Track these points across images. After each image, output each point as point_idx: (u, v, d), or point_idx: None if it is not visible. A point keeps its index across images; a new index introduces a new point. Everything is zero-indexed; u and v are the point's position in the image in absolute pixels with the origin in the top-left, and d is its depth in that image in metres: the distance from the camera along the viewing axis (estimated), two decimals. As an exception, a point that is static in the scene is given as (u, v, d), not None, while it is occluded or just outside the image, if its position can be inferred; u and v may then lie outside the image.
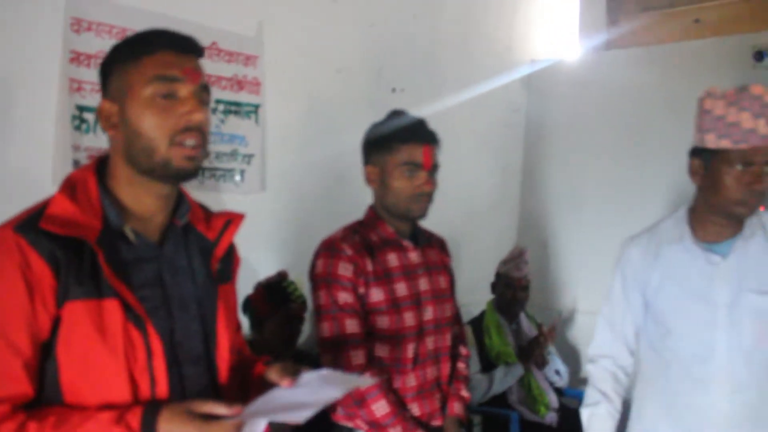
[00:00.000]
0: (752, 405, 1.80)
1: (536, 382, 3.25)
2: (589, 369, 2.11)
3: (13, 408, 1.14)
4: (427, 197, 1.99)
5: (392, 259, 2.00)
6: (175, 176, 1.28)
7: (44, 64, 2.24)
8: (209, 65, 2.62)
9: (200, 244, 1.39)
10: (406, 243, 2.04)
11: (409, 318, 1.97)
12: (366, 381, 1.60)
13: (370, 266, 1.95)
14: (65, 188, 1.25)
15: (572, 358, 3.86)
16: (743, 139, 1.71)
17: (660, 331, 1.94)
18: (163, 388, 1.23)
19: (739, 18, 3.71)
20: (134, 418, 1.14)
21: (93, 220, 1.23)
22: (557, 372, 3.44)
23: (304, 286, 2.79)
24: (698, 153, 1.85)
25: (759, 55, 3.29)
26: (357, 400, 1.89)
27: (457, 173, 3.66)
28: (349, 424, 1.96)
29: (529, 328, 3.48)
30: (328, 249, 1.97)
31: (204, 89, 1.28)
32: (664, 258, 1.92)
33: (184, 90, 1.24)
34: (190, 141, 1.25)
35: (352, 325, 1.90)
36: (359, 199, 3.20)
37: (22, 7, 2.17)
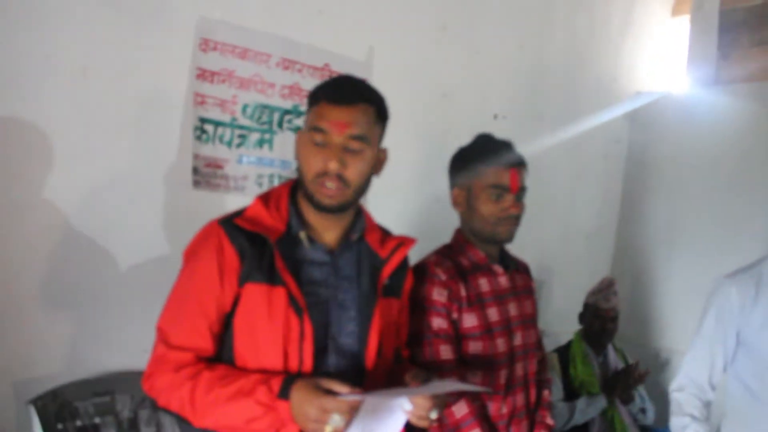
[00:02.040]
0: None
1: (619, 417, 3.22)
2: (675, 397, 2.11)
3: (196, 357, 1.47)
4: (515, 220, 1.99)
5: (483, 283, 2.00)
6: (319, 208, 1.53)
7: (175, 79, 2.45)
8: (321, 85, 2.79)
9: (372, 260, 1.63)
10: (496, 267, 2.04)
11: (501, 344, 1.96)
12: (482, 388, 1.74)
13: (463, 291, 1.94)
14: (262, 196, 1.59)
15: (660, 397, 3.79)
16: None
17: (759, 371, 1.93)
18: (308, 367, 1.48)
19: None
20: (276, 382, 1.39)
21: (278, 224, 1.53)
22: (643, 410, 3.40)
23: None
24: None
25: None
26: (452, 428, 1.88)
27: (555, 201, 3.71)
28: None
29: (615, 361, 3.45)
30: (422, 274, 1.95)
31: (354, 138, 1.49)
32: (766, 296, 1.91)
33: (334, 139, 1.49)
34: (330, 184, 1.49)
35: (446, 351, 1.88)
36: (454, 221, 3.31)
37: (160, 27, 2.39)
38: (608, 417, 3.21)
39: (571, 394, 3.24)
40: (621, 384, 3.23)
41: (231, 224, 1.50)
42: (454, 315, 1.94)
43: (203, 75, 2.50)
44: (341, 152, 1.48)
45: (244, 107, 2.61)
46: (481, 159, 2.00)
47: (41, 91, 2.16)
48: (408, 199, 3.18)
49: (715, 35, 4.00)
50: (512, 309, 2.04)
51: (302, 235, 1.54)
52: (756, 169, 3.62)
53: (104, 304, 2.33)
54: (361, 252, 1.62)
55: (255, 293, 1.47)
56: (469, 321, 1.94)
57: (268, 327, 1.46)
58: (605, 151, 4.13)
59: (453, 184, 2.09)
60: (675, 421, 2.07)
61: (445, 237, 3.21)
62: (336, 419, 1.32)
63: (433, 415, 1.45)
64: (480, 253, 2.04)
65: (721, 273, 3.60)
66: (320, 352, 1.50)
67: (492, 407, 1.96)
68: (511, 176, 1.97)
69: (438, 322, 1.91)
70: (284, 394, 1.37)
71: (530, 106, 3.63)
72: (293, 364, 1.47)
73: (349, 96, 1.51)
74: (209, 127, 2.53)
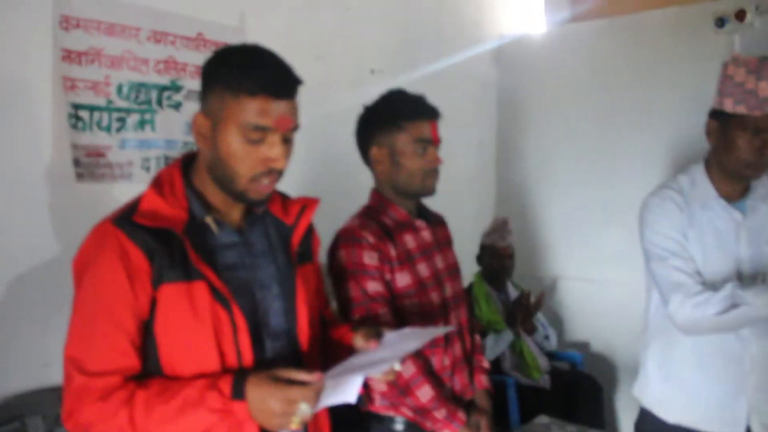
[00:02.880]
0: None
1: (528, 348, 3.36)
2: (674, 304, 1.92)
3: (124, 378, 1.31)
4: (437, 173, 2.01)
5: (409, 240, 2.00)
6: (247, 202, 1.43)
7: (37, 63, 2.23)
8: (195, 56, 2.63)
9: (279, 228, 1.54)
10: (419, 223, 2.05)
11: (435, 297, 1.97)
12: (445, 329, 1.65)
13: (392, 251, 1.93)
14: (154, 185, 1.42)
15: (558, 322, 4.00)
16: (758, 106, 1.81)
17: None
18: (248, 360, 1.38)
19: (698, -15, 3.83)
20: (225, 384, 1.28)
21: (179, 212, 1.39)
22: (546, 337, 3.57)
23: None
24: (716, 115, 1.94)
25: (720, 22, 3.40)
26: (401, 388, 1.88)
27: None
28: (390, 413, 1.94)
29: (515, 296, 3.59)
30: (349, 239, 1.92)
31: (293, 129, 1.40)
32: (696, 214, 1.99)
33: (274, 137, 1.37)
34: (266, 180, 1.39)
35: (385, 314, 1.86)
36: (345, 182, 3.27)
37: (9, 7, 2.15)
38: (517, 349, 3.35)
39: (480, 334, 3.34)
40: (521, 313, 3.37)
41: (128, 223, 1.34)
42: (387, 276, 1.92)
43: (69, 56, 2.29)
44: (283, 146, 1.38)
45: (119, 88, 2.42)
46: (402, 114, 1.97)
47: None
48: (294, 164, 3.08)
49: (566, -27, 4.15)
50: (439, 261, 2.06)
51: (209, 220, 1.43)
52: (618, 101, 3.82)
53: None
54: (267, 224, 1.53)
55: (173, 294, 1.34)
56: (403, 280, 1.94)
57: (195, 327, 1.34)
58: (477, 95, 4.22)
59: (370, 143, 2.04)
60: (725, 303, 1.82)
61: (342, 196, 3.18)
62: (304, 408, 1.25)
63: (397, 367, 1.43)
64: (401, 210, 2.03)
65: (596, 200, 3.85)
66: (255, 340, 1.41)
67: (435, 361, 1.97)
68: (432, 128, 1.99)
69: (373, 286, 1.89)
70: (239, 394, 1.27)
71: (403, 58, 3.62)
72: (231, 360, 1.37)
73: (291, 87, 1.39)
74: (84, 114, 2.33)
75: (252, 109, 1.33)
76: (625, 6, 4.02)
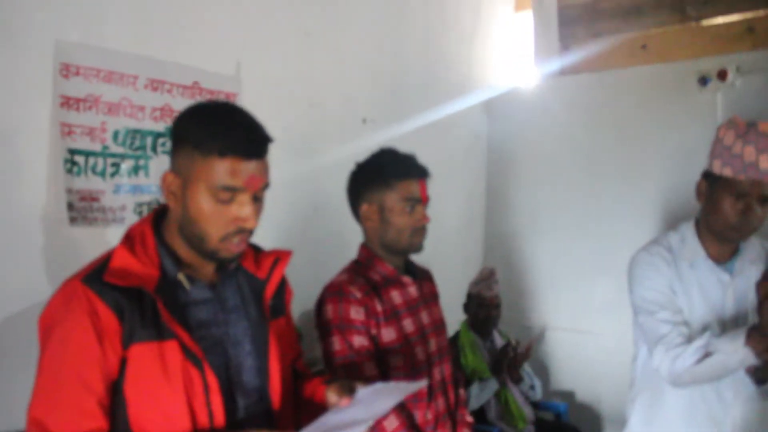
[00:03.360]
0: (762, 413, 1.95)
1: (512, 397, 3.37)
2: (658, 356, 1.95)
3: None
4: (425, 231, 2.06)
5: (396, 296, 2.03)
6: (218, 261, 1.43)
7: (36, 108, 2.27)
8: (191, 104, 2.68)
9: (251, 283, 1.52)
10: (406, 279, 2.09)
11: (419, 352, 2.00)
12: (419, 385, 1.56)
13: (379, 306, 1.96)
14: (125, 242, 1.40)
15: (543, 372, 4.01)
16: (743, 170, 1.84)
17: None
18: (219, 420, 1.35)
19: (682, 44, 3.95)
20: None
21: (151, 269, 1.37)
22: (532, 387, 3.58)
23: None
24: (706, 176, 1.98)
25: (703, 80, 3.51)
26: None
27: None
28: None
29: (501, 345, 3.60)
30: (336, 293, 1.96)
31: (264, 188, 1.40)
32: (684, 272, 2.01)
33: (244, 196, 1.36)
34: (238, 239, 1.39)
35: (369, 368, 1.89)
36: (335, 230, 3.32)
37: (12, 53, 2.21)
38: (502, 398, 3.35)
39: (465, 382, 3.35)
40: (506, 362, 3.38)
41: (98, 281, 1.31)
42: (373, 331, 1.95)
43: (67, 103, 2.34)
44: (253, 205, 1.38)
45: (115, 134, 2.47)
46: (392, 173, 2.02)
47: None
48: (285, 212, 3.14)
49: (555, 29, 4.27)
50: (424, 317, 2.09)
51: (181, 277, 1.41)
52: (603, 154, 3.90)
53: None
54: (240, 278, 1.52)
55: (144, 354, 1.31)
56: (388, 335, 1.96)
57: (166, 387, 1.31)
58: (467, 146, 4.29)
59: (361, 200, 2.08)
60: (689, 355, 1.87)
61: (328, 245, 3.24)
62: None
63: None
64: (389, 266, 2.07)
65: (584, 251, 3.89)
66: (227, 398, 1.39)
67: (418, 415, 1.99)
68: (420, 188, 2.03)
69: (359, 341, 1.91)
70: None
71: (395, 108, 3.69)
72: (203, 421, 1.34)
73: (261, 147, 1.39)
74: (80, 158, 2.37)
75: (222, 170, 1.33)
76: (612, 61, 4.13)
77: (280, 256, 1.59)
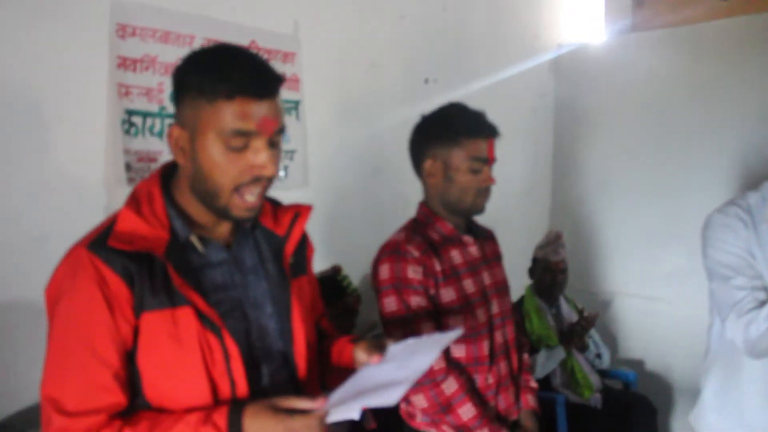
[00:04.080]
0: None
1: (579, 365, 3.27)
2: (730, 323, 1.85)
3: (109, 417, 1.19)
4: (489, 192, 1.97)
5: (456, 255, 1.96)
6: (231, 220, 1.32)
7: (93, 70, 2.28)
8: (249, 64, 2.65)
9: (270, 240, 1.41)
10: (466, 238, 2.01)
11: (480, 314, 1.93)
12: (454, 334, 1.41)
13: (437, 266, 1.90)
14: (131, 202, 1.28)
15: (611, 340, 3.89)
16: None
17: None
18: (242, 389, 1.27)
19: (767, -6, 3.69)
20: (220, 417, 1.18)
21: (160, 231, 1.26)
22: (598, 355, 3.47)
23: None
24: None
25: (789, 32, 3.28)
26: (443, 406, 1.84)
27: (490, 161, 3.69)
28: (432, 430, 1.91)
29: (568, 312, 3.50)
30: (393, 252, 1.89)
31: (279, 132, 1.27)
32: (765, 236, 1.85)
33: (258, 141, 1.23)
34: (254, 191, 1.26)
35: (427, 329, 1.82)
36: (396, 191, 3.26)
37: (69, 16, 2.21)
38: (568, 367, 3.26)
39: (530, 349, 3.27)
40: (577, 334, 3.28)
41: (105, 248, 1.20)
42: (431, 291, 1.88)
43: (124, 63, 2.33)
44: (269, 151, 1.24)
45: (172, 94, 2.45)
46: (461, 130, 1.93)
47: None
48: (346, 173, 3.10)
49: (628, -17, 4.05)
50: (486, 278, 2.02)
51: (194, 239, 1.29)
52: (675, 112, 3.72)
53: (41, 322, 2.15)
54: (257, 236, 1.40)
55: (156, 323, 1.21)
56: (447, 295, 1.90)
57: (182, 357, 1.22)
58: (533, 105, 4.15)
59: (425, 155, 1.99)
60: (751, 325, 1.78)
61: (389, 207, 3.19)
62: None
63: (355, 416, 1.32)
64: (448, 225, 2.00)
65: (655, 215, 3.73)
66: (250, 366, 1.29)
67: (479, 379, 1.93)
68: (489, 147, 1.94)
69: (416, 301, 1.85)
70: (235, 428, 1.17)
71: (457, 68, 3.59)
72: (224, 391, 1.25)
73: (272, 85, 1.25)
74: (137, 119, 2.37)
75: (231, 114, 1.20)
76: (688, 16, 3.91)
77: (300, 211, 1.45)
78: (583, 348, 3.37)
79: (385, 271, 1.89)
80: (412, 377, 1.27)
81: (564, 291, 3.54)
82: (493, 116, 3.81)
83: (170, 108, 2.44)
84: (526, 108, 4.11)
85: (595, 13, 4.32)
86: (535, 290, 3.46)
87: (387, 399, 1.24)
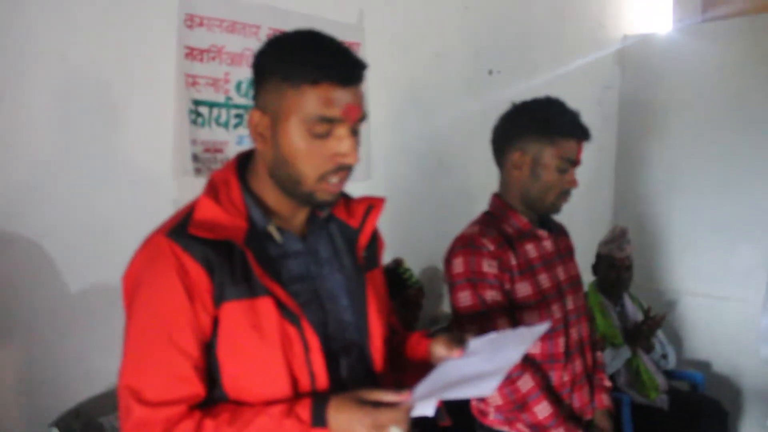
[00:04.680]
0: None
1: (644, 366, 3.18)
2: None
3: (189, 407, 1.18)
4: (569, 194, 1.95)
5: (531, 249, 1.92)
6: (315, 205, 1.30)
7: (161, 60, 2.28)
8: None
9: (344, 232, 1.39)
10: (541, 232, 1.97)
11: (556, 310, 1.88)
12: (542, 328, 1.36)
13: (513, 260, 1.86)
14: (209, 191, 1.26)
15: (677, 340, 3.78)
16: None
17: None
18: (323, 382, 1.24)
19: None
20: (304, 410, 1.15)
21: (238, 220, 1.24)
22: (664, 356, 3.37)
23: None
24: None
25: None
26: (518, 404, 1.80)
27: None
28: (505, 429, 1.87)
29: (633, 310, 3.40)
30: (468, 246, 1.86)
31: (362, 120, 1.25)
32: None
33: (342, 129, 1.21)
34: (336, 179, 1.24)
35: (503, 324, 1.78)
36: (459, 183, 3.21)
37: (139, 7, 2.21)
38: (633, 367, 3.17)
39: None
40: (643, 333, 3.19)
41: (185, 235, 1.18)
42: (507, 285, 1.84)
43: (192, 54, 2.33)
44: (352, 139, 1.22)
45: (238, 84, 2.45)
46: (558, 128, 1.89)
47: (19, 81, 1.95)
48: (410, 165, 3.07)
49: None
50: (561, 273, 1.98)
51: (272, 228, 1.27)
52: (749, 104, 3.58)
53: (112, 311, 2.16)
54: (331, 228, 1.38)
55: (236, 313, 1.19)
56: (523, 290, 1.86)
57: (262, 348, 1.20)
58: (598, 98, 4.05)
59: (513, 146, 1.94)
60: None
61: (452, 200, 3.14)
62: None
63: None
64: (523, 218, 1.95)
65: (725, 211, 3.60)
66: (328, 358, 1.26)
67: (554, 377, 1.88)
68: (579, 149, 1.92)
69: (491, 295, 1.81)
70: (320, 421, 1.14)
71: (521, 59, 3.52)
72: (304, 383, 1.23)
73: (357, 72, 1.22)
74: (204, 110, 2.37)
75: (316, 100, 1.18)
76: (760, 3, 3.76)
77: (373, 204, 1.42)
78: (649, 348, 3.28)
79: (459, 265, 1.85)
80: (504, 369, 1.23)
81: (629, 288, 3.44)
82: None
83: (236, 98, 2.44)
84: (591, 100, 4.00)
85: (662, 2, 4.19)
86: (598, 287, 3.37)
87: (481, 390, 1.20)
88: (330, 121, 1.19)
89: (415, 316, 2.58)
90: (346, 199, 1.44)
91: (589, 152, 3.98)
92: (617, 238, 3.34)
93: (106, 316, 2.13)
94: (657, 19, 4.20)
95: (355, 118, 1.22)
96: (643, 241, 3.91)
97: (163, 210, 2.23)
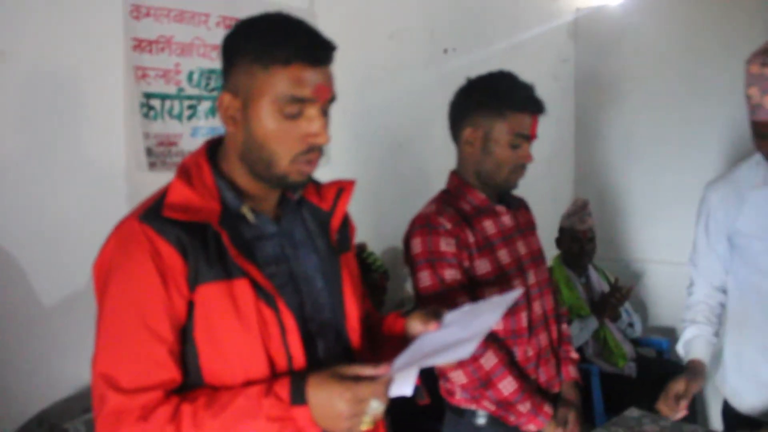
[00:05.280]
0: None
1: (611, 335, 3.23)
2: (686, 303, 2.09)
3: (166, 393, 1.16)
4: (524, 169, 1.91)
5: (489, 226, 1.90)
6: (287, 187, 1.30)
7: (109, 53, 2.22)
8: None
9: (316, 215, 1.39)
10: (499, 208, 1.94)
11: (517, 285, 1.85)
12: (514, 295, 1.36)
13: (471, 237, 1.83)
14: (180, 174, 1.25)
15: (642, 307, 3.83)
16: (753, 112, 1.74)
17: (752, 273, 1.91)
18: (300, 363, 1.24)
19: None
20: (282, 389, 1.15)
21: (211, 202, 1.23)
22: (630, 324, 3.42)
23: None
24: None
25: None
26: (483, 381, 1.79)
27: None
28: (472, 407, 1.86)
29: (598, 281, 3.45)
30: (425, 226, 1.83)
31: (331, 101, 1.25)
32: (751, 202, 1.88)
33: (312, 109, 1.21)
34: (309, 159, 1.24)
35: (464, 302, 1.71)
36: (419, 165, 3.20)
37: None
38: (600, 337, 3.21)
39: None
40: (610, 304, 3.23)
41: (158, 218, 1.17)
42: (466, 263, 1.83)
43: (140, 45, 2.28)
44: (323, 119, 1.22)
45: (190, 75, 2.40)
46: (508, 102, 1.84)
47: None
48: (369, 147, 3.05)
49: (647, -61, 3.92)
50: (521, 247, 1.96)
51: (245, 209, 1.27)
52: (702, 74, 3.60)
53: (74, 311, 2.11)
54: (303, 210, 1.38)
55: (212, 295, 1.18)
56: (482, 267, 1.84)
57: (239, 330, 1.19)
58: (554, 72, 4.05)
59: (465, 122, 1.90)
60: (684, 330, 2.05)
61: (413, 180, 3.13)
62: (375, 406, 1.13)
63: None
64: (480, 195, 1.93)
65: (680, 179, 3.65)
66: (305, 340, 1.26)
67: (518, 352, 1.88)
68: (532, 124, 1.86)
69: (451, 274, 1.80)
70: (299, 398, 1.13)
71: (477, 37, 3.51)
72: (282, 364, 1.22)
73: (327, 52, 1.23)
74: (156, 102, 2.32)
75: (287, 80, 1.18)
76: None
77: (343, 186, 1.42)
78: (616, 318, 3.33)
79: (417, 246, 1.83)
80: (481, 334, 1.25)
81: (593, 260, 3.48)
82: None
83: (189, 89, 2.40)
84: (547, 75, 4.00)
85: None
86: (563, 260, 3.40)
87: (459, 354, 1.22)
88: (301, 101, 1.19)
89: (381, 300, 2.58)
90: (315, 183, 1.44)
91: (547, 126, 3.99)
92: (578, 210, 3.38)
93: (67, 317, 2.10)
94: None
95: (326, 97, 1.23)
96: (605, 211, 3.95)
97: (119, 207, 2.19)
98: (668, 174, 3.76)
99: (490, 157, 1.87)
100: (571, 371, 2.03)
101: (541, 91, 4.02)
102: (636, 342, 3.43)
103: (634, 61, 3.88)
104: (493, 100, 1.85)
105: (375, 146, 3.06)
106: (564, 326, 2.10)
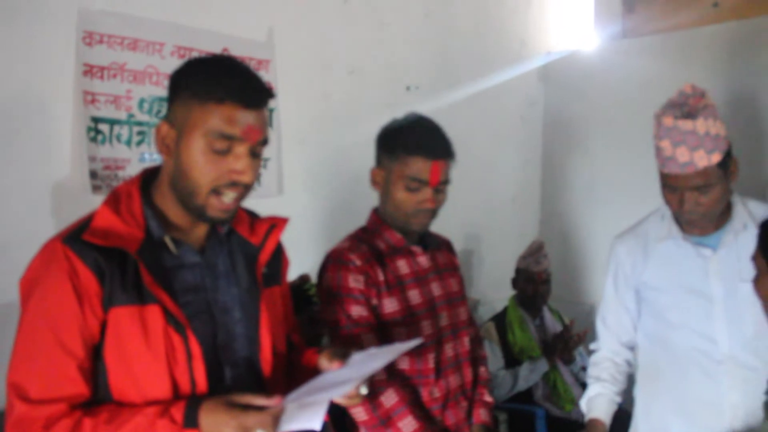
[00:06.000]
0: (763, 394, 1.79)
1: (561, 378, 3.22)
2: (591, 360, 2.13)
3: (70, 407, 1.23)
4: (429, 213, 1.88)
5: (402, 266, 1.91)
6: (207, 221, 1.36)
7: (59, 77, 2.27)
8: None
9: (244, 249, 1.46)
10: (415, 248, 1.95)
11: (426, 326, 1.87)
12: (412, 343, 1.42)
13: (381, 275, 1.85)
14: (109, 201, 1.33)
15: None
16: (663, 164, 1.80)
17: (660, 327, 1.94)
18: (202, 388, 1.29)
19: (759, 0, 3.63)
20: (177, 411, 1.21)
21: (135, 230, 1.30)
22: (584, 368, 3.41)
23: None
24: None
25: (780, 36, 3.22)
26: (383, 419, 1.79)
27: (476, 169, 3.65)
28: None
29: (552, 323, 3.45)
30: (336, 261, 1.85)
31: (262, 143, 1.33)
32: (656, 255, 1.93)
33: (241, 148, 1.29)
34: (231, 195, 1.31)
35: (368, 340, 1.77)
36: (376, 199, 3.22)
37: (36, 22, 2.20)
38: (551, 380, 3.21)
39: (512, 361, 3.22)
40: (561, 346, 3.23)
41: (79, 241, 1.24)
42: (374, 301, 1.84)
43: (91, 71, 2.33)
44: (250, 159, 1.30)
45: (141, 102, 2.45)
46: (402, 146, 1.85)
47: None
48: (325, 182, 3.08)
49: (617, -11, 4.01)
50: (435, 289, 1.96)
51: (167, 240, 1.34)
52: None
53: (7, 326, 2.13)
54: (232, 244, 1.45)
55: (123, 318, 1.25)
56: (390, 306, 1.85)
57: (147, 354, 1.26)
58: (522, 114, 4.10)
59: (376, 160, 1.95)
60: (588, 386, 2.10)
61: (366, 215, 3.14)
62: None
63: (363, 391, 1.38)
64: (396, 234, 1.93)
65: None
66: (213, 367, 1.33)
67: (423, 392, 1.88)
68: (432, 169, 1.82)
69: (357, 310, 1.81)
70: (191, 422, 1.20)
71: (442, 75, 3.56)
72: (185, 389, 1.29)
73: (261, 97, 1.32)
74: (104, 127, 2.36)
75: (219, 117, 1.27)
76: (679, 21, 3.85)
77: (276, 223, 1.51)
78: (570, 360, 3.32)
79: (327, 280, 1.86)
80: (361, 377, 1.33)
81: (547, 301, 3.49)
82: (479, 124, 3.76)
83: (139, 116, 2.44)
84: (515, 116, 4.06)
85: (584, 19, 4.27)
86: (518, 301, 3.41)
87: (338, 393, 1.31)
88: (230, 139, 1.28)
89: (322, 332, 2.58)
90: (251, 217, 1.52)
91: (515, 167, 4.08)
92: (534, 252, 3.39)
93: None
94: (580, 36, 4.27)
95: (255, 139, 1.30)
96: (567, 253, 3.97)
97: (60, 228, 2.23)
98: (628, 218, 3.75)
99: (390, 199, 1.90)
100: (481, 414, 2.01)
101: (509, 132, 4.10)
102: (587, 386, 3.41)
103: (602, 106, 3.92)
104: (391, 142, 1.89)
105: (332, 179, 3.09)
106: (482, 369, 2.09)
